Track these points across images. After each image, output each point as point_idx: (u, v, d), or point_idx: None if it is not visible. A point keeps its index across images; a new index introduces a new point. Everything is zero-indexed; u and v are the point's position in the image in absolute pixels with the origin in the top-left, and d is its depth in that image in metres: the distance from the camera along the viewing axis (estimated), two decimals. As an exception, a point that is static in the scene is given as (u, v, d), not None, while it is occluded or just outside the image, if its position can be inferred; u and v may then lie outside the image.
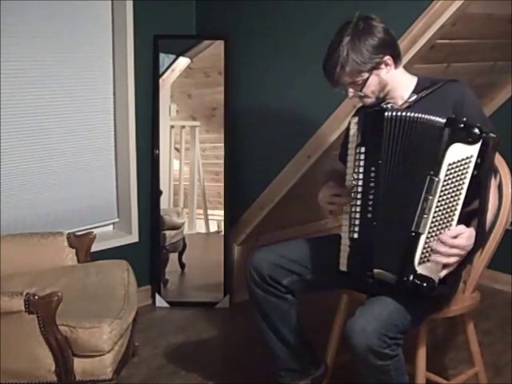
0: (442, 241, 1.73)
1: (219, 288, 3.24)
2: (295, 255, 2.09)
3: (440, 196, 1.74)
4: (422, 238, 1.76)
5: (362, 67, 1.89)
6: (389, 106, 1.89)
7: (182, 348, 2.80)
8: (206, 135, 3.28)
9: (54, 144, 2.88)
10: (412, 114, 1.81)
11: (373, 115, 1.88)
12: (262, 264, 2.07)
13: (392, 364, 1.78)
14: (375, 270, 1.85)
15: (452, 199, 1.74)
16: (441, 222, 1.75)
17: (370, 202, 1.84)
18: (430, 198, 1.74)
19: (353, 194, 1.87)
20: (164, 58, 3.11)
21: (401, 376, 1.83)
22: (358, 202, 1.86)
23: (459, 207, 1.74)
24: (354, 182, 1.86)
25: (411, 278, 1.76)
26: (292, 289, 2.10)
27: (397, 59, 1.96)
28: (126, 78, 2.99)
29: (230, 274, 3.24)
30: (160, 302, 3.23)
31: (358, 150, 1.86)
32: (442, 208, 1.75)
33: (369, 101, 1.97)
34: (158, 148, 3.13)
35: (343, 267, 1.91)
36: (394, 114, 1.83)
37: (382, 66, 1.92)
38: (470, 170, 1.72)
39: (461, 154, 1.72)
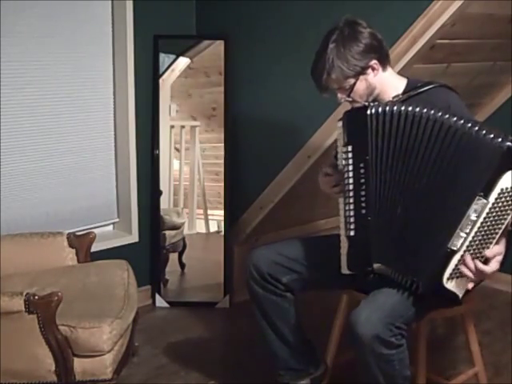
0: (475, 267, 1.72)
1: (219, 288, 3.23)
2: (295, 253, 2.10)
3: (485, 218, 1.69)
4: (457, 256, 1.73)
5: (348, 73, 1.90)
6: (371, 103, 1.88)
7: (182, 348, 2.80)
8: (205, 135, 3.28)
9: (54, 144, 2.87)
10: (404, 107, 1.80)
11: (355, 113, 1.89)
12: (261, 262, 2.08)
13: (396, 354, 1.79)
14: (375, 265, 1.86)
15: (495, 223, 1.70)
16: (478, 244, 1.72)
17: (363, 199, 1.85)
18: (474, 219, 1.69)
19: (345, 193, 1.88)
20: (164, 58, 3.11)
21: (404, 368, 1.84)
22: (351, 200, 1.86)
23: (501, 231, 1.71)
24: (345, 181, 1.87)
25: (436, 292, 1.78)
26: (291, 287, 2.11)
27: (384, 62, 1.96)
28: (126, 78, 2.98)
29: (230, 274, 3.23)
30: (160, 302, 3.23)
31: (345, 150, 1.87)
32: (483, 230, 1.70)
33: (358, 105, 1.96)
34: (158, 148, 3.13)
35: (344, 270, 1.91)
36: (379, 109, 1.82)
37: (369, 70, 1.92)
38: None
39: None
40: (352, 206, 1.86)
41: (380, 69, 1.94)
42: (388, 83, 1.98)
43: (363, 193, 1.85)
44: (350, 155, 1.86)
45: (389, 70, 1.99)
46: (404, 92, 1.97)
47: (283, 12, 2.78)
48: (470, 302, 2.09)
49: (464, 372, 2.30)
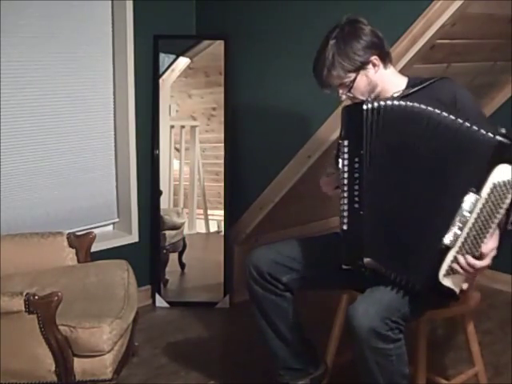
0: (470, 264, 1.73)
1: (219, 288, 3.24)
2: (294, 253, 2.10)
3: (478, 214, 1.70)
4: (451, 252, 1.75)
5: (348, 68, 1.91)
6: (369, 99, 1.89)
7: (182, 348, 2.80)
8: (205, 135, 3.28)
9: (54, 144, 2.87)
10: (400, 103, 1.80)
11: (352, 107, 1.91)
12: (261, 261, 2.09)
13: (394, 349, 1.79)
14: (365, 259, 1.87)
15: (489, 218, 1.71)
16: (473, 239, 1.73)
17: (356, 193, 1.86)
18: (468, 215, 1.71)
19: (340, 187, 1.89)
20: (164, 58, 3.11)
21: (402, 365, 1.83)
22: (345, 194, 1.87)
23: (494, 225, 1.72)
24: (340, 176, 1.88)
25: (433, 290, 1.78)
26: (291, 286, 2.11)
27: (385, 60, 1.96)
28: (125, 78, 2.99)
29: (230, 274, 3.24)
30: (160, 302, 3.23)
31: (342, 144, 1.88)
32: (477, 225, 1.71)
33: (356, 101, 1.96)
34: (158, 148, 3.13)
35: (343, 264, 1.92)
36: (375, 104, 1.83)
37: (369, 66, 1.93)
38: None
39: (507, 175, 1.68)
40: (346, 201, 1.87)
41: (381, 65, 1.95)
42: (389, 81, 1.98)
43: (357, 187, 1.86)
44: (345, 150, 1.87)
45: (390, 68, 2.00)
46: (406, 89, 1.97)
47: (283, 12, 2.78)
48: (470, 302, 2.10)
49: (464, 372, 2.30)
